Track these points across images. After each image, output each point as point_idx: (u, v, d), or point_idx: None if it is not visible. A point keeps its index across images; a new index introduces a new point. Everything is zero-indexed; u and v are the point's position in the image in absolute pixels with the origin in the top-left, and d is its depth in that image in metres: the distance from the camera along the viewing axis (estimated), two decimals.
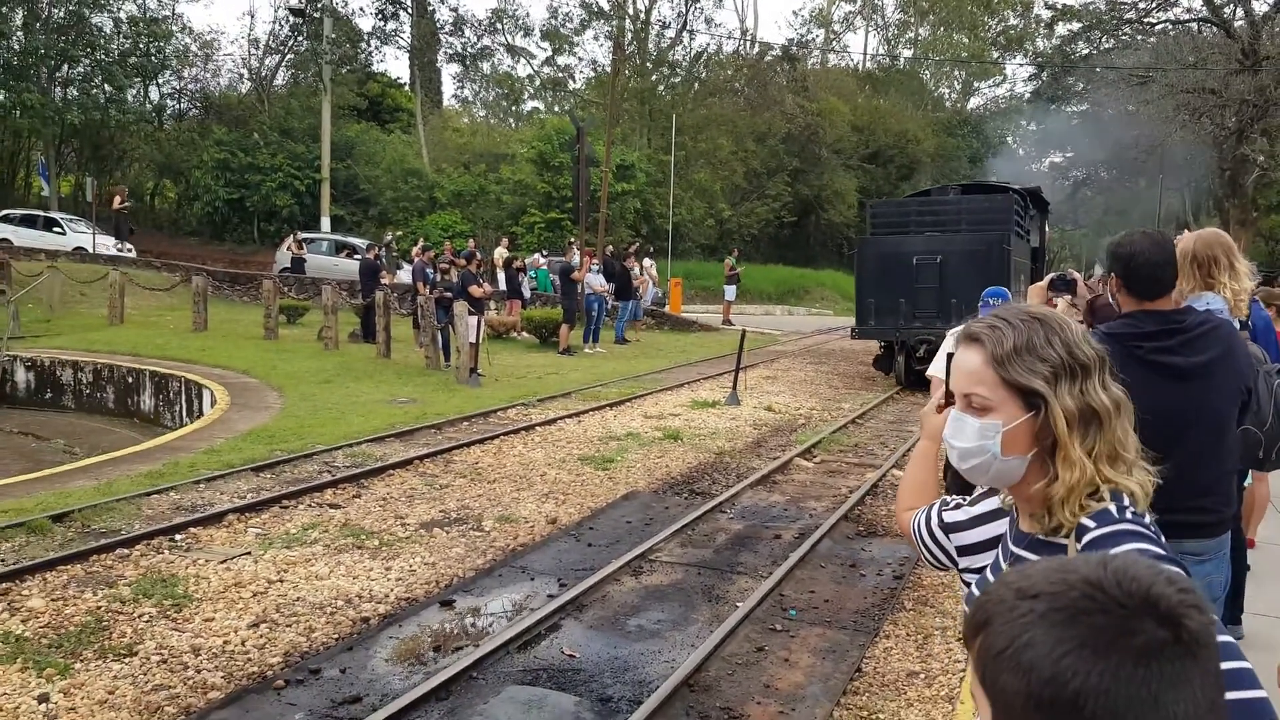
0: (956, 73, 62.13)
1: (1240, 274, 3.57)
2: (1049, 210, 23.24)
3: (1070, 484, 1.55)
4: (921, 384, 12.13)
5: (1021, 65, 56.97)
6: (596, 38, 50.97)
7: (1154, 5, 42.99)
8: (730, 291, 29.61)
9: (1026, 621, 0.82)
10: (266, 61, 44.35)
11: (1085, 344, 1.60)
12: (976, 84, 63.21)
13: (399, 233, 33.75)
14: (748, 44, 52.40)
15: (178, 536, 7.22)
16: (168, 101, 43.41)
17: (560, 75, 51.44)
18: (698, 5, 50.24)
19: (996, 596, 0.87)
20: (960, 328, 5.66)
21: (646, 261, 27.93)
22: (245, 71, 44.83)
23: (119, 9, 37.45)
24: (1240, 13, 40.00)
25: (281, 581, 6.40)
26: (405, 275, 24.78)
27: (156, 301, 23.39)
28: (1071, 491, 1.55)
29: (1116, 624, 0.80)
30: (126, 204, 30.84)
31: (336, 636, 5.64)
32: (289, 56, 43.88)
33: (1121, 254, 3.10)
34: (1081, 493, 1.55)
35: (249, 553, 6.91)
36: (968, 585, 1.86)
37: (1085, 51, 46.40)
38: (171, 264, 27.87)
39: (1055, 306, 7.45)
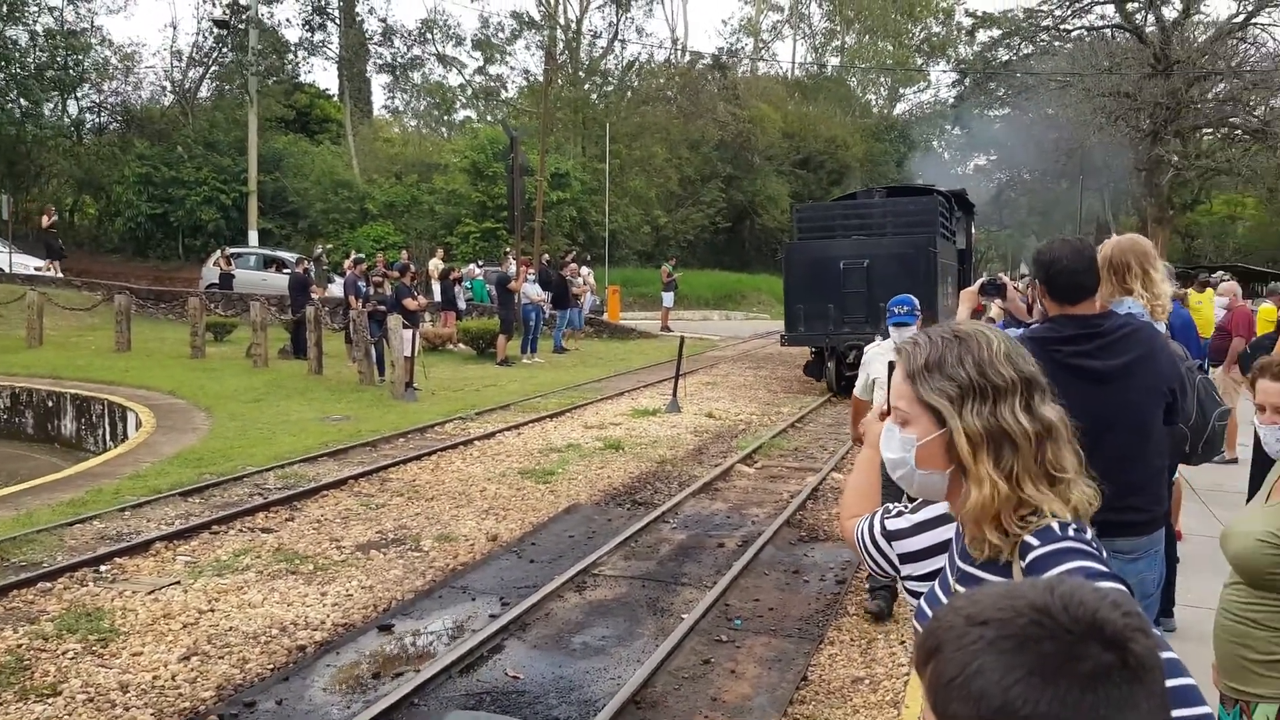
0: (882, 79, 63.03)
1: (1155, 280, 3.61)
2: (974, 212, 23.52)
3: (980, 502, 1.55)
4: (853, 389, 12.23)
5: (945, 71, 58.07)
6: (528, 47, 50.92)
7: (1070, 12, 44.12)
8: (668, 298, 29.67)
9: (976, 649, 0.82)
10: (190, 74, 43.40)
11: (1006, 365, 1.59)
12: (902, 90, 64.21)
13: (329, 245, 33.23)
14: (678, 53, 52.68)
15: (103, 568, 6.97)
16: (87, 115, 42.31)
17: (492, 85, 51.19)
18: (628, 15, 50.29)
19: (947, 623, 0.86)
20: (877, 343, 5.60)
21: (584, 270, 27.86)
22: (168, 84, 43.82)
23: (35, 21, 36.52)
24: (1151, 19, 41.18)
25: (213, 611, 6.19)
26: (337, 289, 24.41)
27: (77, 322, 22.78)
28: (983, 509, 1.55)
29: (1064, 650, 0.80)
30: (54, 220, 30.04)
31: (272, 667, 5.46)
32: (213, 68, 43.02)
33: (1043, 261, 3.20)
34: (997, 511, 1.55)
35: (178, 582, 6.69)
36: (915, 597, 1.84)
37: (1006, 58, 47.40)
38: (93, 282, 27.14)
39: (985, 310, 7.42)
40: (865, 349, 6.35)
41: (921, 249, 15.65)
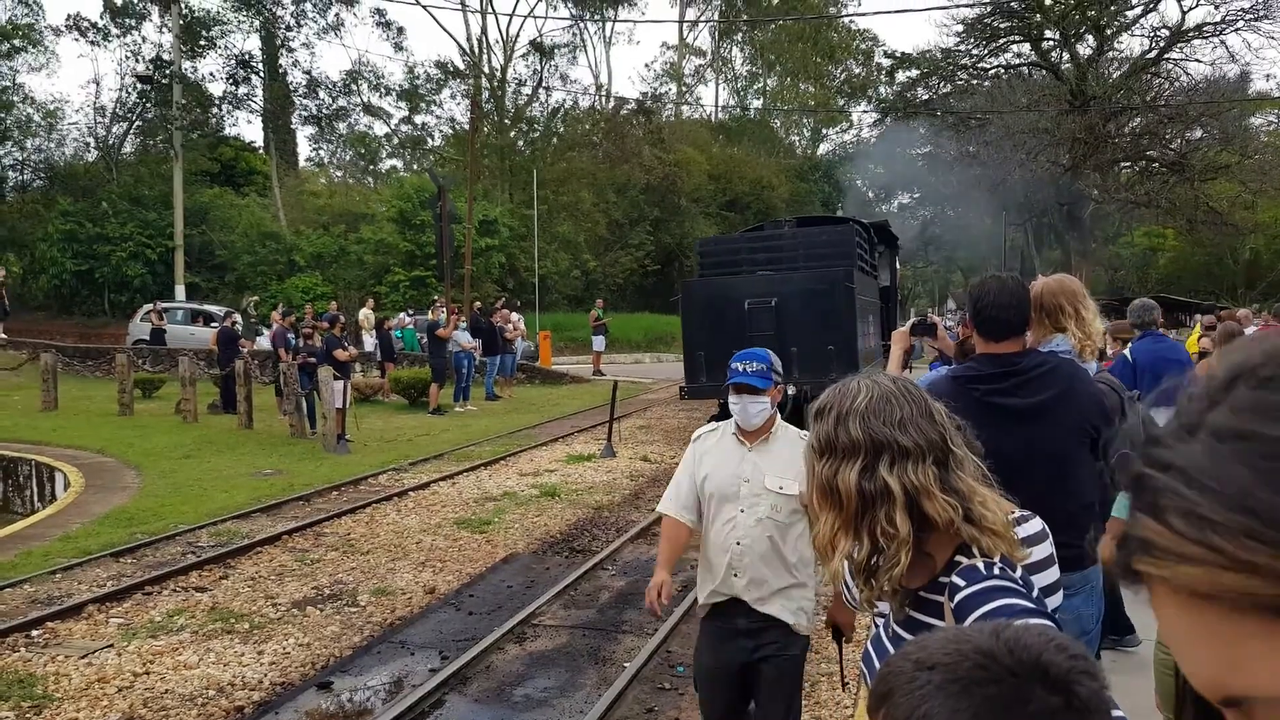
0: (805, 120, 64.13)
1: (1086, 320, 3.65)
2: (899, 246, 22.89)
3: (814, 543, 1.71)
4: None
5: (866, 111, 59.32)
6: (454, 96, 50.93)
7: (987, 51, 45.30)
8: (599, 342, 29.73)
9: (925, 693, 0.84)
10: (114, 129, 42.84)
11: (878, 425, 1.68)
12: (825, 131, 65.35)
13: (255, 298, 32.89)
14: (603, 99, 53.16)
15: (34, 632, 6.84)
16: (10, 173, 41.63)
17: (418, 134, 51.24)
18: (552, 63, 50.77)
19: (897, 668, 0.89)
20: (710, 427, 4.27)
21: (515, 316, 27.90)
22: (92, 140, 43.19)
23: None
24: (1066, 56, 42.41)
25: (148, 674, 6.12)
26: (266, 342, 24.15)
27: (1, 381, 22.24)
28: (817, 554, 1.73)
29: (1009, 693, 0.82)
30: (6, 281, 29.22)
31: None
32: (137, 123, 42.55)
33: (973, 297, 3.29)
34: (827, 550, 1.69)
35: (112, 645, 6.60)
36: (876, 627, 1.90)
37: (925, 97, 48.51)
38: (18, 341, 26.59)
39: (914, 349, 7.46)
40: (695, 434, 4.07)
41: (837, 284, 13.75)
